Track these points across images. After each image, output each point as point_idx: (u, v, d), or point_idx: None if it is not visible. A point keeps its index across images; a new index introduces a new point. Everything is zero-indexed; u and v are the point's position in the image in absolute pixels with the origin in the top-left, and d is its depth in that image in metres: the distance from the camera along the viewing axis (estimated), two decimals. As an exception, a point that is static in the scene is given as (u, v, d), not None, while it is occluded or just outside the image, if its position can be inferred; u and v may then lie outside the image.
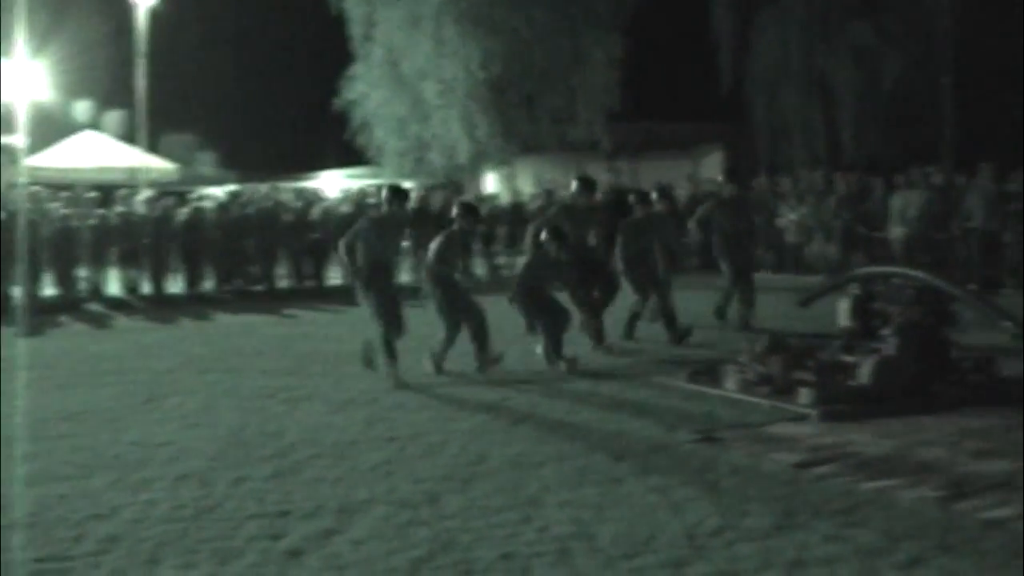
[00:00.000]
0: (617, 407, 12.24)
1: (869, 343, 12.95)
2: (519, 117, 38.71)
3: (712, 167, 40.65)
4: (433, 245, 14.61)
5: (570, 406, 12.34)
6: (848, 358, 12.88)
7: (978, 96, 37.39)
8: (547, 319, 14.48)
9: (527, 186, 36.88)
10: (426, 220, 28.22)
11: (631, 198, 17.28)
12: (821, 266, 26.46)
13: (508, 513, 8.32)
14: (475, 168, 39.39)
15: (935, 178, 25.04)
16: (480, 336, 14.39)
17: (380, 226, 14.30)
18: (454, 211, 15.40)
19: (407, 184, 35.12)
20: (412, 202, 29.44)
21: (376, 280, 14.07)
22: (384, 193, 14.75)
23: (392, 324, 14.03)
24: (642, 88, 39.92)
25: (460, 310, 14.50)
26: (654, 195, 17.61)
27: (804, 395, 11.87)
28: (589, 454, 10.17)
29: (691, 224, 17.62)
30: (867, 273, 14.26)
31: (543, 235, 14.87)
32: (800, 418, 11.50)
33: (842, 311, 13.63)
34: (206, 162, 42.93)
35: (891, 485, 8.99)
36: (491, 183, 41.18)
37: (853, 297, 13.61)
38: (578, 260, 15.36)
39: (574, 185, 16.33)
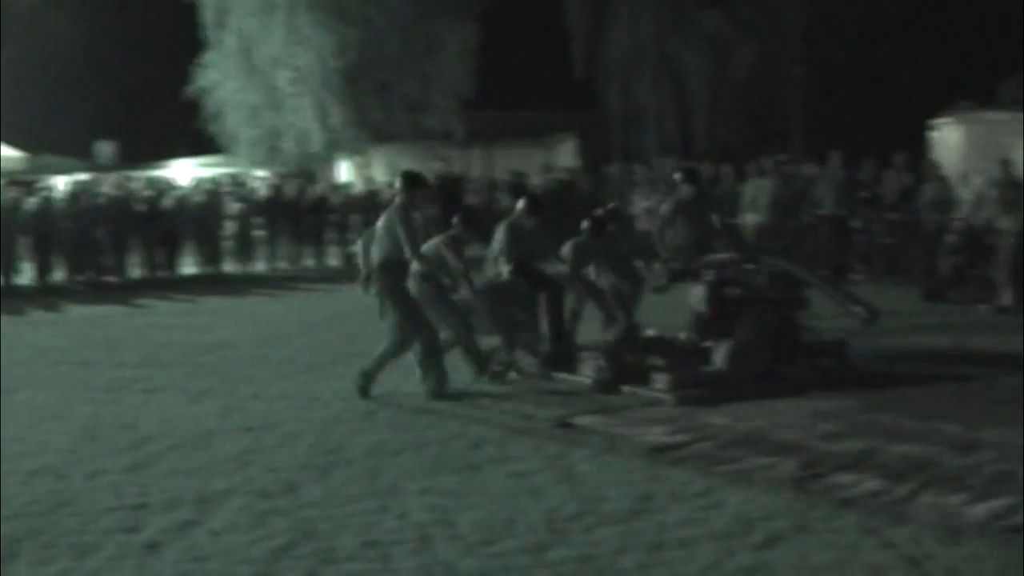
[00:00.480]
0: (473, 395, 12.26)
1: (723, 328, 13.09)
2: (373, 105, 38.50)
3: (566, 155, 40.76)
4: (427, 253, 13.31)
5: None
6: (703, 343, 13.04)
7: (828, 86, 38.04)
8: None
9: (381, 175, 36.73)
10: (279, 209, 28.09)
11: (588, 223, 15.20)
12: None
13: (367, 501, 8.32)
14: (329, 157, 39.13)
15: (791, 167, 25.37)
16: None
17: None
18: (455, 219, 13.61)
19: (260, 173, 34.95)
20: (266, 191, 29.30)
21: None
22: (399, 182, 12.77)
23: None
24: (496, 76, 39.97)
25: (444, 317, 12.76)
26: (599, 212, 15.70)
27: (659, 380, 11.97)
28: (446, 441, 10.20)
29: (655, 234, 16.13)
30: (721, 259, 14.38)
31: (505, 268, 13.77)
32: (656, 403, 11.60)
33: (696, 297, 13.75)
34: (105, 154, 42.17)
35: (747, 467, 9.13)
36: (344, 172, 40.96)
37: (707, 283, 13.73)
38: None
39: (521, 204, 15.04)
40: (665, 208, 15.89)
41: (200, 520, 7.93)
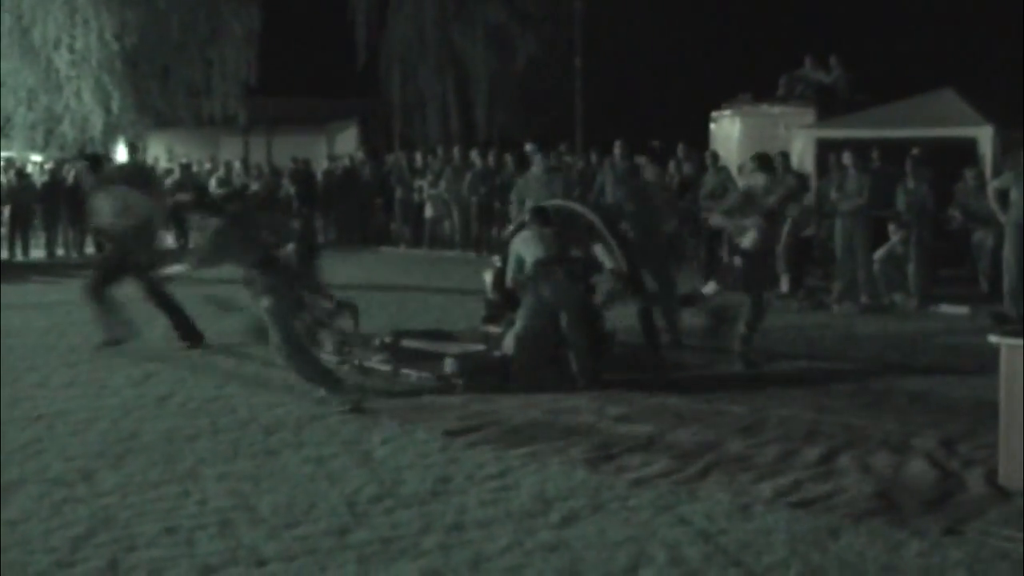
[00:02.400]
0: (264, 383, 12.15)
1: (513, 314, 13.20)
2: (153, 90, 38.00)
3: (347, 143, 40.67)
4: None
5: (217, 382, 12.24)
6: (493, 328, 13.17)
7: (611, 77, 38.56)
8: None
9: (161, 160, 36.31)
10: (57, 195, 27.50)
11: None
12: (458, 241, 26.88)
13: (166, 487, 8.27)
14: (108, 141, 38.39)
15: (573, 156, 25.68)
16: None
17: None
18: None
19: (36, 157, 34.13)
20: (44, 176, 28.65)
21: None
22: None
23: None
24: (278, 62, 39.70)
25: None
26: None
27: (450, 365, 12.06)
28: (242, 428, 10.17)
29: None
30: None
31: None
32: (448, 388, 11.71)
33: (487, 283, 13.86)
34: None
35: (540, 450, 9.30)
36: (124, 157, 40.26)
37: (495, 269, 13.83)
38: None
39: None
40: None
41: (-5, 510, 7.79)
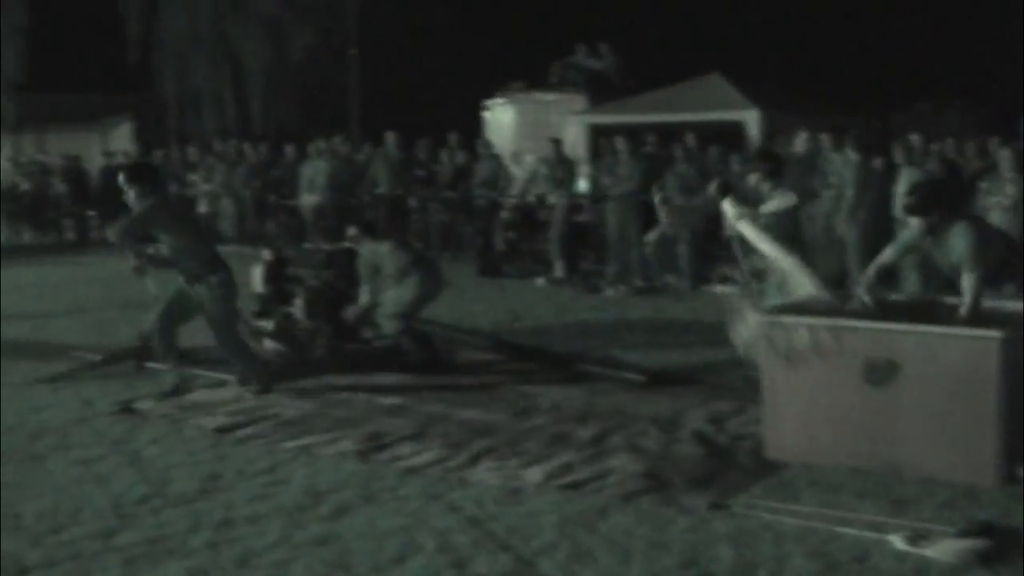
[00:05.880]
0: (27, 387, 11.70)
1: (284, 308, 13.12)
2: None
3: (122, 139, 39.97)
4: None
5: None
6: (264, 323, 13.04)
7: (384, 67, 38.55)
8: None
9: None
10: None
11: None
12: (239, 236, 26.54)
13: (-73, 498, 8.01)
14: None
15: (348, 147, 25.60)
16: None
17: None
18: None
19: None
20: None
21: None
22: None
23: None
24: (48, 58, 38.86)
25: None
26: None
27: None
28: (6, 433, 9.83)
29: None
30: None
31: None
32: (219, 384, 11.55)
33: (255, 277, 13.72)
34: None
35: (311, 442, 9.26)
36: None
37: (265, 263, 13.72)
38: None
39: None
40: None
41: None
